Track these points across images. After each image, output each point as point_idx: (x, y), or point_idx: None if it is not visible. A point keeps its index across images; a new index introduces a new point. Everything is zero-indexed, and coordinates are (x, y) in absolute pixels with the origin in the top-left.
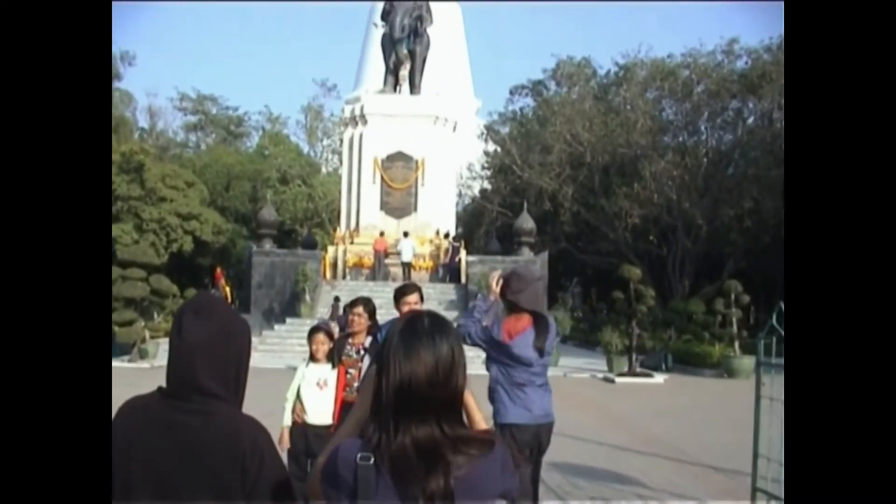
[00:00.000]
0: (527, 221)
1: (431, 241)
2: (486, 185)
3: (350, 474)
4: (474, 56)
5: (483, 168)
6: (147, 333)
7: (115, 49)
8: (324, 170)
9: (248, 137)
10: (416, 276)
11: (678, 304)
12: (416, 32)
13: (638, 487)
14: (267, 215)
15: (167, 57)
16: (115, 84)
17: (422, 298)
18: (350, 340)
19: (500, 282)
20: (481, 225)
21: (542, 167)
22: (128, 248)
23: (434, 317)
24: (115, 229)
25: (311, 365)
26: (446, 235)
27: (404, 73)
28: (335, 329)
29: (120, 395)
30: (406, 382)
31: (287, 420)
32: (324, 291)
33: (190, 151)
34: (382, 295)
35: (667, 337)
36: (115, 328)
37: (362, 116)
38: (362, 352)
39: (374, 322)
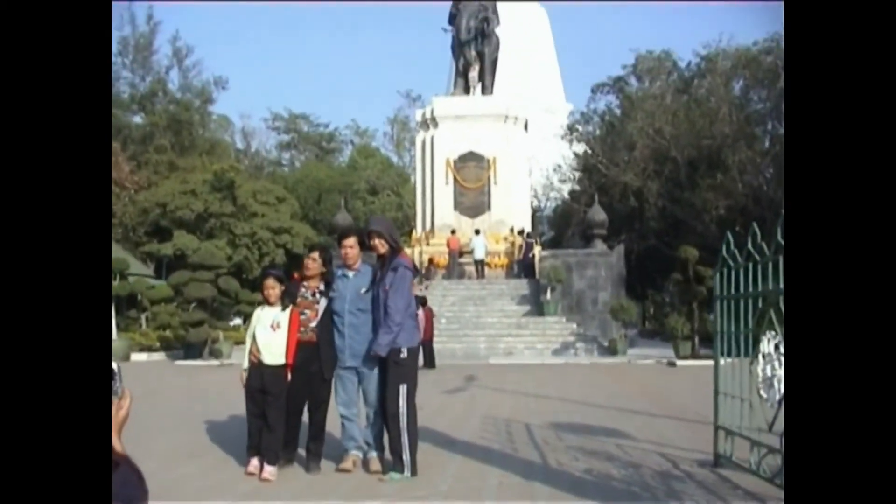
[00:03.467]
0: (598, 213)
1: (506, 239)
2: (576, 187)
3: None
4: (564, 61)
5: (572, 169)
6: (221, 335)
7: (208, 75)
8: (413, 179)
9: (339, 153)
10: (490, 274)
11: None
12: (483, 34)
13: (621, 439)
14: (341, 220)
15: (258, 78)
16: (210, 108)
17: (361, 244)
18: (305, 283)
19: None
20: (570, 226)
21: (626, 164)
22: (196, 252)
23: None
24: (209, 245)
25: (266, 308)
26: (520, 232)
27: (474, 74)
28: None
29: (182, 385)
30: None
31: (245, 363)
32: None
33: (285, 169)
34: (456, 292)
35: None
36: (186, 328)
37: (433, 119)
38: (317, 294)
39: (328, 269)
